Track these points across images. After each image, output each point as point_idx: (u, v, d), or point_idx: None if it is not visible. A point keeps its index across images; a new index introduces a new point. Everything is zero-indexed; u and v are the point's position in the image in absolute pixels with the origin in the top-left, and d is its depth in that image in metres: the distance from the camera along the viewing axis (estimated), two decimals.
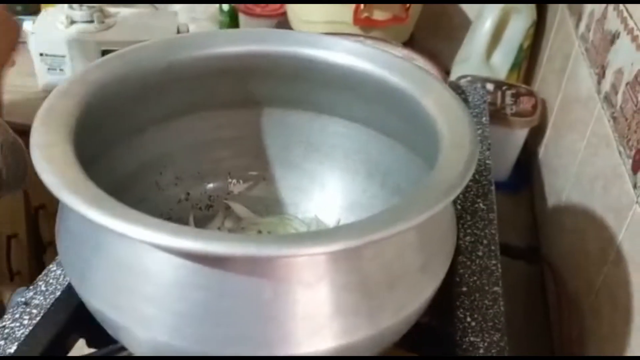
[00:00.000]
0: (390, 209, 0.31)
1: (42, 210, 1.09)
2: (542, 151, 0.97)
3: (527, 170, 0.99)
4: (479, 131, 0.77)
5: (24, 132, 0.98)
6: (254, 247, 0.28)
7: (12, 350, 0.44)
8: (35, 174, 0.32)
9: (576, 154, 0.77)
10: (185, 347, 0.32)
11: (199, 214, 0.53)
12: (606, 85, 0.70)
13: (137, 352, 0.36)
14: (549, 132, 0.95)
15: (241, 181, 0.54)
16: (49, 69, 1.05)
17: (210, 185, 0.53)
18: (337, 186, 0.53)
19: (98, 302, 0.34)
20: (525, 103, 0.96)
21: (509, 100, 0.97)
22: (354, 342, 0.33)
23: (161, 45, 0.46)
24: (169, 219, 0.51)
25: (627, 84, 0.64)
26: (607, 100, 0.69)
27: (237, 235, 0.29)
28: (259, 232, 0.52)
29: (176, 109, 0.49)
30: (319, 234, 0.30)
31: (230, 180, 0.54)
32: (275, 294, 0.31)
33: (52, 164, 0.32)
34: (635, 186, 0.56)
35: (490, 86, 0.99)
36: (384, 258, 0.32)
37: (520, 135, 0.95)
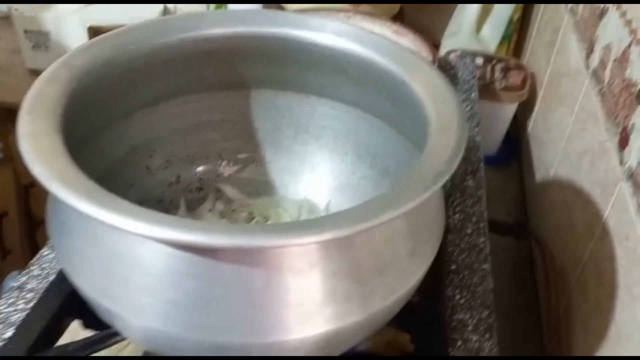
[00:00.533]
0: (379, 197, 0.32)
1: (32, 189, 1.09)
2: (531, 125, 0.97)
3: (516, 144, 1.00)
4: (468, 107, 0.77)
5: (11, 111, 0.98)
6: (244, 238, 0.28)
7: (8, 335, 0.45)
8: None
9: (565, 128, 0.78)
10: (178, 334, 0.32)
11: (190, 196, 0.53)
12: (595, 61, 0.70)
13: (131, 338, 0.37)
14: (538, 106, 0.95)
15: (231, 163, 0.54)
16: (33, 46, 1.03)
17: (201, 168, 0.53)
18: (326, 167, 0.53)
19: (91, 290, 0.35)
20: (515, 77, 0.96)
21: (498, 74, 0.97)
22: (345, 326, 0.33)
23: (147, 28, 0.45)
24: (160, 202, 0.51)
25: (615, 60, 0.64)
26: (596, 75, 0.69)
27: (226, 225, 0.30)
28: (250, 214, 0.53)
29: (164, 92, 0.49)
30: (309, 223, 0.30)
31: (220, 162, 0.54)
32: (267, 283, 0.31)
33: (41, 154, 0.32)
34: (621, 163, 0.57)
35: (479, 60, 0.99)
36: (373, 245, 0.33)
37: (509, 109, 0.95)
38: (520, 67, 0.98)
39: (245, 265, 0.31)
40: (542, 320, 0.69)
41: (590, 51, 0.73)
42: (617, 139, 0.59)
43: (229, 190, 0.53)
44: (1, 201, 1.11)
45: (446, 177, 0.33)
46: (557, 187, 0.77)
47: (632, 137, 0.56)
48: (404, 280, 0.36)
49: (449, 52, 1.00)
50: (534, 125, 0.96)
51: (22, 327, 0.45)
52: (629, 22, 0.62)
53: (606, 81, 0.65)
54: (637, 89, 0.57)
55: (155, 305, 0.32)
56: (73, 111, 0.39)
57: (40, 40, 1.02)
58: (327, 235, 0.29)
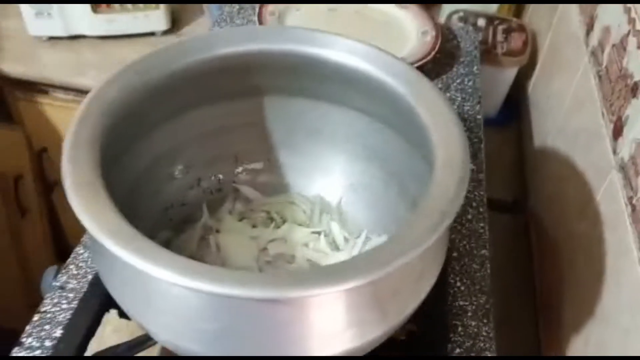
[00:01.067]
0: (394, 241, 0.36)
1: (45, 153, 1.12)
2: (530, 88, 0.99)
3: (515, 105, 1.02)
4: (470, 82, 0.79)
5: (18, 83, 0.99)
6: (273, 291, 0.32)
7: (57, 335, 0.50)
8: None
9: (563, 100, 0.80)
10: (211, 353, 0.38)
11: (210, 197, 0.57)
12: (594, 40, 0.72)
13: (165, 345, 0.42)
14: (538, 69, 0.97)
15: (248, 164, 0.57)
16: (36, 13, 1.03)
17: (219, 170, 0.57)
18: (338, 168, 0.57)
19: (133, 313, 0.39)
20: (516, 40, 0.98)
21: (500, 37, 0.98)
22: (362, 344, 0.38)
23: (167, 52, 0.47)
24: (183, 205, 0.55)
25: (613, 45, 0.66)
26: (594, 55, 0.71)
27: (256, 277, 0.34)
28: (268, 213, 0.57)
29: (183, 106, 0.52)
30: (333, 272, 0.34)
31: (237, 164, 0.57)
32: (291, 318, 0.36)
33: (89, 209, 0.36)
34: (614, 152, 0.60)
35: (482, 21, 0.99)
36: (388, 279, 0.37)
37: (510, 73, 0.97)
38: (522, 29, 0.99)
39: (273, 305, 0.35)
40: (537, 293, 0.74)
41: (590, 28, 0.74)
42: (611, 126, 0.62)
43: (247, 191, 0.57)
44: (16, 165, 1.14)
45: (451, 218, 0.37)
46: (554, 159, 0.80)
47: (626, 129, 0.59)
48: (414, 298, 0.40)
49: (452, 13, 1.01)
50: (534, 89, 0.98)
51: (70, 327, 0.51)
52: (628, 10, 0.63)
53: (604, 64, 0.67)
54: (633, 81, 0.59)
55: (190, 333, 0.37)
56: (107, 142, 0.42)
57: (44, 7, 1.02)
58: (350, 284, 0.33)
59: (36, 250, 1.24)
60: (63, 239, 1.25)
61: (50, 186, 1.18)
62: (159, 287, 0.37)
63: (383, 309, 0.38)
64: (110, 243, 0.34)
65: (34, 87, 1.02)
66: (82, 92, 1.01)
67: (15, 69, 0.99)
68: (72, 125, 0.41)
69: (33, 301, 1.39)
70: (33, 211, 1.20)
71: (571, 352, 0.62)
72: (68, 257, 0.57)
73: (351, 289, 0.35)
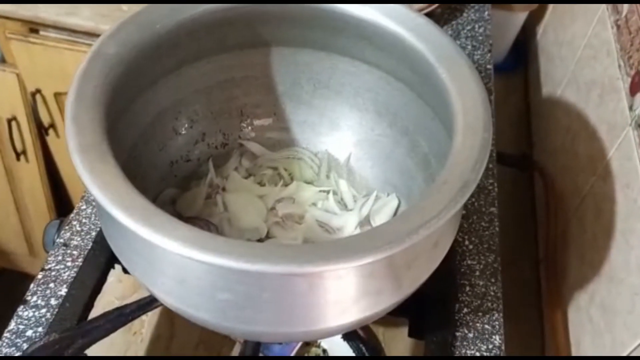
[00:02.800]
0: (413, 211, 0.35)
1: (38, 95, 1.09)
2: (540, 33, 0.96)
3: (523, 51, 0.99)
4: (481, 29, 0.77)
5: (9, 21, 0.95)
6: (292, 266, 0.31)
7: (62, 293, 0.50)
8: None
9: (575, 50, 0.78)
10: (229, 326, 0.37)
11: (215, 153, 0.55)
12: None
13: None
14: (549, 14, 0.94)
15: (253, 119, 0.55)
16: None
17: (224, 125, 0.55)
18: (346, 123, 0.55)
19: (148, 284, 0.38)
20: None
21: None
22: (377, 312, 0.38)
23: (168, 5, 0.45)
24: (188, 161, 0.54)
25: None
26: (613, 3, 0.68)
27: (276, 250, 0.33)
28: (275, 169, 0.55)
29: (187, 58, 0.49)
30: (351, 246, 0.33)
31: (242, 117, 0.55)
32: (309, 287, 0.35)
33: (96, 175, 0.34)
34: (631, 108, 0.59)
35: None
36: (404, 250, 0.36)
37: (520, 17, 0.94)
38: None
39: (289, 277, 0.34)
40: (540, 244, 0.74)
41: None
42: (629, 81, 0.60)
43: (253, 146, 0.55)
44: (9, 106, 1.12)
45: (473, 187, 0.35)
46: (563, 110, 0.79)
47: None
48: (429, 267, 0.40)
49: None
50: (544, 35, 0.95)
51: (75, 285, 0.50)
52: None
53: (624, 14, 0.65)
54: None
55: (208, 303, 0.36)
56: (109, 99, 0.40)
57: None
58: (368, 259, 0.32)
59: (33, 194, 1.23)
60: (60, 182, 1.24)
61: (45, 129, 1.15)
62: (169, 258, 0.36)
63: (399, 279, 0.38)
64: (121, 214, 0.33)
65: (26, 26, 0.98)
66: (75, 32, 0.98)
67: (6, 7, 0.94)
68: (73, 83, 0.39)
69: (32, 248, 1.39)
70: (28, 154, 1.18)
71: (574, 307, 0.63)
72: (65, 202, 0.56)
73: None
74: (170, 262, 0.36)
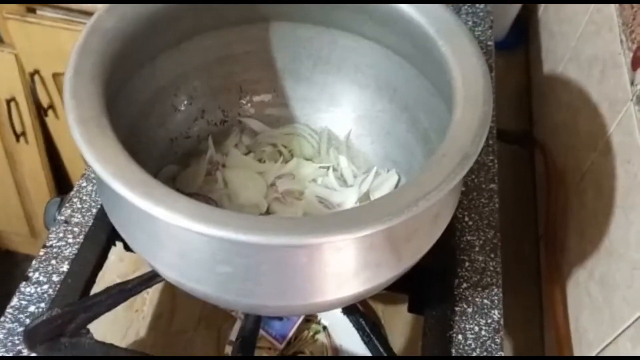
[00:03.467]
0: (413, 185, 0.35)
1: (37, 76, 1.09)
2: (541, 10, 0.95)
3: (524, 28, 0.98)
4: (482, 5, 0.76)
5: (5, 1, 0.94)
6: (294, 238, 0.31)
7: (64, 269, 0.50)
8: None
9: (577, 26, 0.77)
10: (230, 299, 0.37)
11: (215, 130, 0.55)
12: None
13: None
14: None
15: (253, 95, 0.55)
16: None
17: (223, 102, 0.55)
18: (346, 98, 0.55)
19: (149, 257, 0.39)
20: None
21: None
22: (377, 285, 0.38)
23: None
24: (188, 138, 0.54)
25: None
26: None
27: (276, 223, 0.33)
28: (274, 146, 0.55)
29: (186, 33, 0.49)
30: (351, 217, 0.33)
31: (242, 95, 0.55)
32: (309, 259, 0.35)
33: (96, 149, 0.34)
34: (632, 83, 0.58)
35: None
36: (404, 222, 0.36)
37: None
38: None
39: (289, 249, 0.34)
40: (540, 218, 0.74)
41: None
42: (630, 55, 0.60)
43: (253, 123, 0.55)
44: (7, 87, 1.11)
45: (472, 160, 0.35)
46: (564, 86, 0.78)
47: None
48: (428, 240, 0.40)
49: None
50: (545, 11, 0.94)
51: (76, 261, 0.50)
52: None
53: None
54: None
55: (209, 276, 0.36)
56: (108, 73, 0.40)
57: None
58: (367, 231, 0.32)
59: (33, 175, 1.23)
60: (60, 164, 1.24)
61: (44, 110, 1.15)
62: (170, 230, 0.36)
63: (398, 252, 0.38)
64: (121, 187, 0.33)
65: (23, 6, 0.97)
66: (71, 10, 0.97)
67: None
68: (71, 57, 0.39)
69: (33, 229, 1.40)
70: (28, 135, 1.18)
71: (573, 282, 0.63)
72: (65, 183, 0.56)
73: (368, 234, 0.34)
74: (171, 235, 0.36)
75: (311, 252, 0.35)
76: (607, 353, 0.53)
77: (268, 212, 0.51)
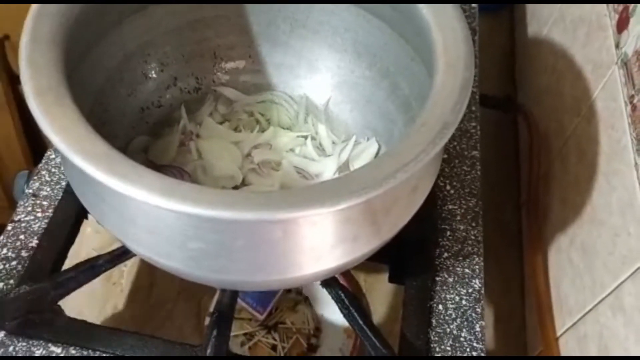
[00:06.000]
0: (391, 154, 0.33)
1: (7, 41, 1.05)
2: None
3: None
4: None
5: None
6: (266, 213, 0.30)
7: (34, 244, 0.48)
8: None
9: None
10: (203, 275, 0.36)
11: (188, 97, 0.53)
12: None
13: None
14: None
15: (227, 62, 0.53)
16: None
17: (197, 68, 0.52)
18: (324, 64, 0.53)
19: (119, 234, 0.37)
20: None
21: None
22: (353, 260, 0.37)
23: None
24: (160, 107, 0.51)
25: None
26: None
27: (247, 197, 0.31)
28: (251, 114, 0.53)
29: None
30: (326, 191, 0.31)
31: (215, 61, 0.53)
32: (284, 234, 0.34)
33: (55, 120, 0.32)
34: (617, 46, 0.57)
35: None
36: (382, 194, 0.35)
37: None
38: None
39: (262, 224, 0.33)
40: (522, 184, 0.74)
41: None
42: (616, 17, 0.58)
43: (228, 91, 0.53)
44: None
45: (452, 129, 0.34)
46: (548, 49, 0.77)
47: (632, 21, 0.55)
48: (407, 212, 0.39)
49: None
50: None
51: (46, 236, 0.49)
52: None
53: None
54: None
55: (181, 253, 0.35)
56: (69, 38, 0.38)
57: None
58: (343, 205, 0.31)
59: (8, 145, 1.20)
60: (36, 133, 1.20)
61: (15, 77, 1.11)
62: (138, 207, 0.34)
63: (377, 224, 0.37)
64: (82, 161, 0.31)
65: None
66: None
67: None
68: (27, 21, 0.36)
69: (12, 200, 1.37)
70: (1, 104, 1.14)
71: (554, 249, 0.63)
72: (42, 152, 0.54)
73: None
74: (139, 211, 0.35)
75: (286, 227, 0.33)
76: (588, 320, 0.53)
77: (244, 183, 0.49)
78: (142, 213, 0.34)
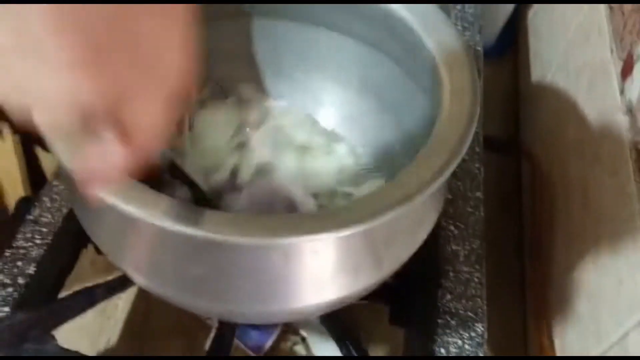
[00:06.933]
0: (396, 184, 0.33)
1: None
2: (530, 15, 0.95)
3: (512, 34, 0.98)
4: (471, 9, 0.75)
5: None
6: (268, 239, 0.29)
7: (31, 272, 0.47)
8: None
9: (567, 32, 0.76)
10: (204, 303, 0.35)
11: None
12: None
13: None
14: None
15: (230, 90, 0.53)
16: None
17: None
18: (329, 98, 0.53)
19: (112, 257, 0.36)
20: None
21: None
22: (356, 291, 0.36)
23: None
24: None
25: None
26: None
27: (248, 220, 0.31)
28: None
29: None
30: (328, 217, 0.31)
31: (217, 88, 0.53)
32: (285, 261, 0.33)
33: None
34: (621, 92, 0.57)
35: None
36: (385, 223, 0.34)
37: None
38: None
39: (266, 247, 0.33)
40: (525, 227, 0.73)
41: None
42: (620, 64, 0.59)
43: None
44: None
45: (457, 161, 0.34)
46: (552, 94, 0.77)
47: (636, 69, 0.56)
48: (411, 245, 0.38)
49: None
50: (534, 17, 0.93)
51: (43, 264, 0.48)
52: None
53: None
54: None
55: (181, 280, 0.34)
56: None
57: None
58: (345, 232, 0.30)
59: (8, 172, 1.20)
60: (37, 163, 1.21)
61: None
62: (138, 228, 0.34)
63: (379, 256, 0.36)
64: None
65: None
66: None
67: None
68: None
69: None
70: (3, 131, 1.15)
71: (559, 294, 0.62)
72: (42, 182, 0.53)
73: (347, 235, 0.33)
74: (139, 233, 0.34)
75: (288, 253, 0.33)
76: None
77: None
78: (142, 235, 0.34)
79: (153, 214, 0.30)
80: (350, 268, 0.35)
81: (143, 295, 0.59)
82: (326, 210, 0.32)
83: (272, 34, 0.51)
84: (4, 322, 0.44)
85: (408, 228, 0.37)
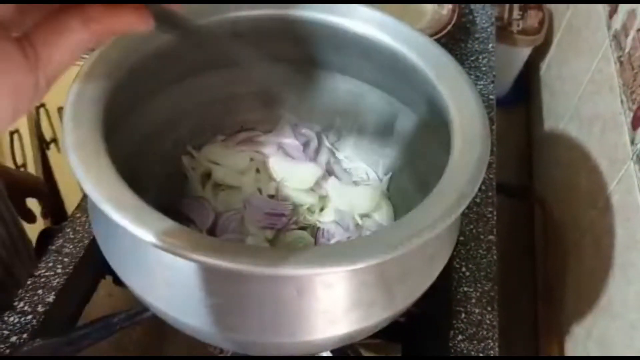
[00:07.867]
0: (403, 223, 0.34)
1: (42, 108, 1.10)
2: (544, 68, 0.97)
3: (525, 86, 1.00)
4: (485, 60, 0.77)
5: None
6: (282, 267, 0.31)
7: (50, 300, 0.49)
8: None
9: (579, 85, 0.78)
10: (217, 332, 0.36)
11: None
12: (617, 23, 0.70)
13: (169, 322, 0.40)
14: (553, 50, 0.95)
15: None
16: None
17: (222, 138, 0.55)
18: (348, 142, 0.55)
19: (136, 288, 0.38)
20: (533, 18, 0.95)
21: (516, 14, 0.96)
22: (366, 327, 0.37)
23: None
24: (186, 177, 0.53)
25: (638, 30, 0.63)
26: (616, 40, 0.69)
27: (266, 252, 0.32)
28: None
29: (190, 69, 0.50)
30: (342, 251, 0.32)
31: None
32: (299, 293, 0.34)
33: (90, 171, 0.34)
34: (632, 142, 0.59)
35: None
36: (398, 259, 0.35)
37: (524, 53, 0.95)
38: (539, 7, 0.97)
39: (280, 280, 0.34)
40: (537, 273, 0.73)
41: (614, 10, 0.72)
42: (631, 115, 0.60)
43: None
44: None
45: (468, 200, 0.35)
46: (564, 144, 0.79)
47: None
48: (423, 283, 0.39)
49: None
50: (547, 69, 0.95)
51: (63, 292, 0.49)
52: None
53: (627, 50, 0.65)
54: None
55: (197, 308, 0.35)
56: (109, 103, 0.40)
57: None
58: (358, 265, 0.31)
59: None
60: (58, 198, 1.23)
61: (46, 143, 1.16)
62: (159, 258, 0.35)
63: (392, 291, 0.37)
64: (111, 209, 0.32)
65: None
66: None
67: None
68: (74, 84, 0.39)
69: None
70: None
71: (572, 340, 0.61)
72: (62, 217, 0.55)
73: (359, 269, 0.34)
74: (159, 262, 0.35)
75: (301, 285, 0.34)
76: None
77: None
78: (162, 264, 0.35)
79: (174, 244, 0.31)
80: (364, 303, 0.36)
81: (156, 330, 0.60)
82: (339, 244, 0.33)
83: (293, 79, 0.53)
84: (21, 350, 0.45)
85: (421, 264, 0.38)
